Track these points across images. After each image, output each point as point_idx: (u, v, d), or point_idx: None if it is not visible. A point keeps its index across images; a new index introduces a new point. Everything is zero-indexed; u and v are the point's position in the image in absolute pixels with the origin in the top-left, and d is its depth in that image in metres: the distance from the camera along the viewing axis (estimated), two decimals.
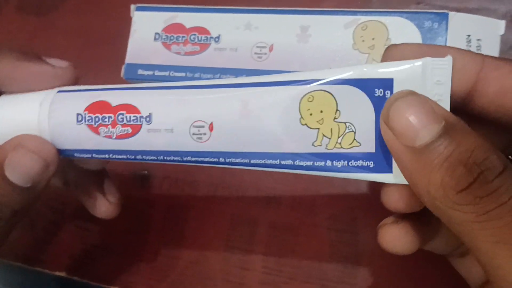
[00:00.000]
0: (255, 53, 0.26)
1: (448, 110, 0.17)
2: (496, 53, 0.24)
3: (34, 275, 0.35)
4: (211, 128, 0.20)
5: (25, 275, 0.36)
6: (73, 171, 0.27)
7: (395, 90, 0.18)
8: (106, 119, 0.21)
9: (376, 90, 0.18)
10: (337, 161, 0.19)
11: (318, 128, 0.19)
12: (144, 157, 0.21)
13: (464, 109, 0.18)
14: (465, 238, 0.16)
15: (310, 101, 0.19)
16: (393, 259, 0.21)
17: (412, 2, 0.32)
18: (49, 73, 0.23)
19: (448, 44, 0.24)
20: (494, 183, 0.15)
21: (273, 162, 0.19)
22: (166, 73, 0.28)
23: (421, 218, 0.20)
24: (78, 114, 0.21)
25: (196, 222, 0.32)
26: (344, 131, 0.19)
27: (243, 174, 0.32)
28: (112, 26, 0.36)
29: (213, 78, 0.27)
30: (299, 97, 0.19)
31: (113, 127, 0.21)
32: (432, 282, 0.28)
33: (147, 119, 0.20)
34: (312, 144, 0.19)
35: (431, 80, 0.17)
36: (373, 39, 0.25)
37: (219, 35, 0.27)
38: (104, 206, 0.27)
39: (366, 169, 0.19)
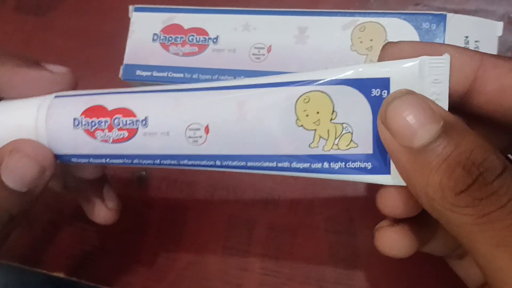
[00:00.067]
0: (253, 54, 0.26)
1: (446, 109, 0.17)
2: None
3: (32, 276, 0.35)
4: (207, 130, 0.19)
5: (23, 276, 0.36)
6: (71, 177, 0.27)
7: (392, 89, 0.18)
8: (103, 123, 0.21)
9: (373, 90, 0.18)
10: (335, 163, 0.19)
11: (315, 130, 0.19)
12: (140, 161, 0.21)
13: (462, 108, 0.18)
14: (463, 240, 0.16)
15: (306, 102, 0.18)
16: (391, 261, 0.21)
17: (410, 3, 0.32)
18: (48, 79, 0.23)
19: None
20: (493, 184, 0.15)
21: (270, 164, 0.19)
22: (165, 74, 0.28)
23: (419, 220, 0.20)
24: (74, 119, 0.21)
25: (194, 223, 0.32)
26: (341, 132, 0.18)
27: (241, 175, 0.32)
28: (110, 27, 0.36)
29: (211, 79, 0.27)
30: (295, 98, 0.19)
31: (109, 131, 0.21)
32: (430, 284, 0.28)
33: (143, 122, 0.20)
34: (309, 146, 0.19)
35: (428, 79, 0.17)
36: (371, 40, 0.25)
37: (217, 36, 0.27)
38: (102, 212, 0.27)
39: (364, 171, 0.18)
